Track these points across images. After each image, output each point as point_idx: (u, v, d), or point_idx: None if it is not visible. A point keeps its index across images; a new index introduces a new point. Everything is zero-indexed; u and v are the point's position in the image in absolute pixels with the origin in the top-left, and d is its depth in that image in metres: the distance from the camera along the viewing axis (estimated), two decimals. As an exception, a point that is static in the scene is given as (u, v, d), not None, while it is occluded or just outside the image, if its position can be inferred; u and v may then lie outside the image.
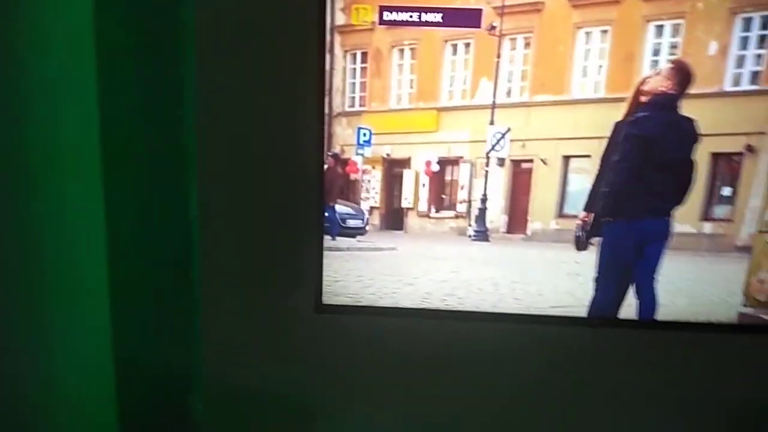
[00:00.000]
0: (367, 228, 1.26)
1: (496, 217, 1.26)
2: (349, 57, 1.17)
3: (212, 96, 1.23)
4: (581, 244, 1.25)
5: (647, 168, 1.22)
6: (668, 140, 1.21)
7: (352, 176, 1.24)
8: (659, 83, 1.17)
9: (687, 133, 1.19)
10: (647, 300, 1.26)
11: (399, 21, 1.14)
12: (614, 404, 1.37)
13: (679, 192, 1.22)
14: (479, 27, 1.15)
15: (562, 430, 1.41)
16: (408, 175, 1.24)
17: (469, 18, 1.14)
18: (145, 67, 1.24)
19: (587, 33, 1.17)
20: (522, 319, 1.26)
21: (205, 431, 1.45)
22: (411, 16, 1.13)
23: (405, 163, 1.24)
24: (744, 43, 1.17)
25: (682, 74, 1.16)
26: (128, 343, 1.31)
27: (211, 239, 1.30)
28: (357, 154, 1.22)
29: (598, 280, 1.25)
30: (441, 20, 1.14)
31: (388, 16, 1.14)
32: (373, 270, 1.27)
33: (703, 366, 1.35)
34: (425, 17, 1.14)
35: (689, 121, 1.18)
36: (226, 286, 1.33)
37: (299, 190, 1.26)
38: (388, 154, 1.23)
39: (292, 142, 1.25)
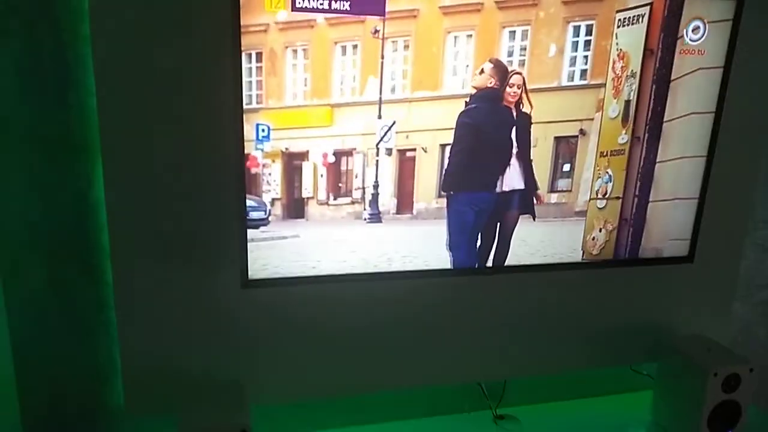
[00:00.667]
0: (270, 219, 1.33)
1: (387, 200, 1.40)
2: (244, 56, 1.22)
3: (119, 75, 1.22)
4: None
5: (477, 149, 1.43)
6: (492, 126, 1.43)
7: (253, 170, 1.30)
8: (485, 80, 1.39)
9: (506, 119, 1.43)
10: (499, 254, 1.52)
11: (310, 8, 1.22)
12: (483, 335, 1.64)
13: (503, 167, 1.47)
14: (383, 15, 1.27)
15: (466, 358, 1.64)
16: (307, 167, 1.33)
17: (374, 5, 1.26)
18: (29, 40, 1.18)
19: (456, 37, 1.34)
20: (416, 275, 1.47)
21: (126, 422, 1.44)
22: (321, 4, 1.22)
23: (303, 155, 1.33)
24: (575, 46, 1.44)
25: (501, 72, 1.40)
26: (28, 341, 1.25)
27: (123, 228, 1.29)
28: (256, 149, 1.28)
29: (450, 246, 1.46)
30: (348, 8, 1.25)
31: (300, 3, 1.21)
32: (278, 257, 1.35)
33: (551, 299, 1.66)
34: (335, 5, 1.24)
35: (508, 109, 1.41)
36: (143, 274, 1.32)
37: (217, 170, 1.30)
38: (287, 148, 1.31)
39: (208, 121, 1.28)
